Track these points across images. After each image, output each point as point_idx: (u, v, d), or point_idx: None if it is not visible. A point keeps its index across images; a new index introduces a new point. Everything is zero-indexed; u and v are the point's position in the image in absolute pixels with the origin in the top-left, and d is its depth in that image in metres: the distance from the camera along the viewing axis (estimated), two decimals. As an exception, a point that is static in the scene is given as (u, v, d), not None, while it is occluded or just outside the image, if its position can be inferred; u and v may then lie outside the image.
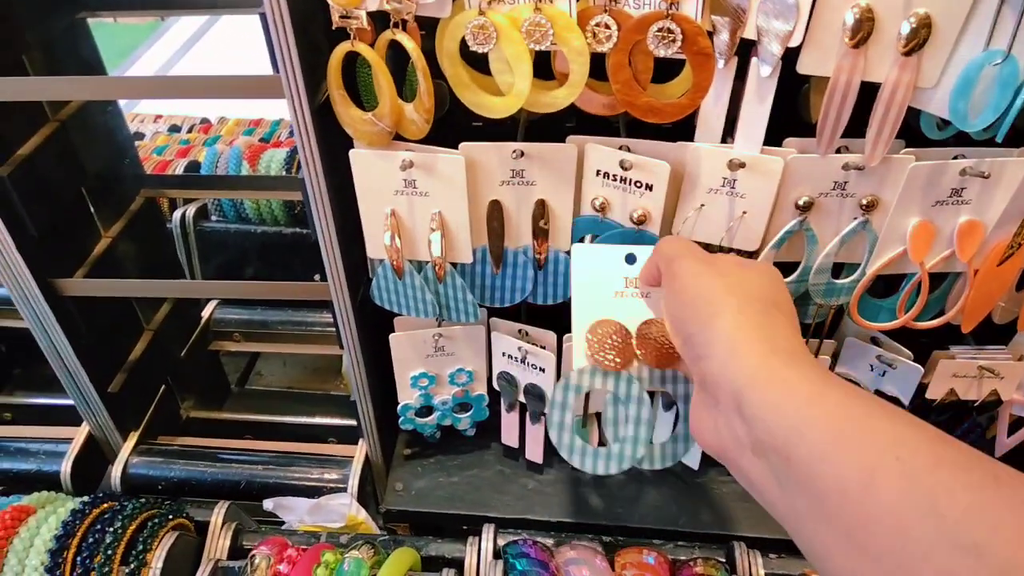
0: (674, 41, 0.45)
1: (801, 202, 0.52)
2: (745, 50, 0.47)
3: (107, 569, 0.55)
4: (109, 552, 0.55)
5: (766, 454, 0.36)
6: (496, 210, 0.56)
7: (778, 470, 0.35)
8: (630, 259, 0.52)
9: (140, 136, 1.26)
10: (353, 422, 0.88)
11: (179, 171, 1.00)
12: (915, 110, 0.48)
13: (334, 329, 0.93)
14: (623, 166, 0.52)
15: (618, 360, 0.50)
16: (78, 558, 0.55)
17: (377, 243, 0.57)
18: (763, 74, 0.47)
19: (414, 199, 0.55)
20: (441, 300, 0.61)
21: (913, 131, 0.50)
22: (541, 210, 0.56)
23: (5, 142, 0.59)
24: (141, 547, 0.56)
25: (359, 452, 0.74)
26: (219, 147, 1.04)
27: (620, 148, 0.53)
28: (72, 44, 0.65)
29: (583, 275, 0.52)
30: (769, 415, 0.35)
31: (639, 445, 0.52)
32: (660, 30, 0.45)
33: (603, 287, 0.52)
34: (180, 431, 0.87)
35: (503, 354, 0.67)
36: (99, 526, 0.57)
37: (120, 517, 0.57)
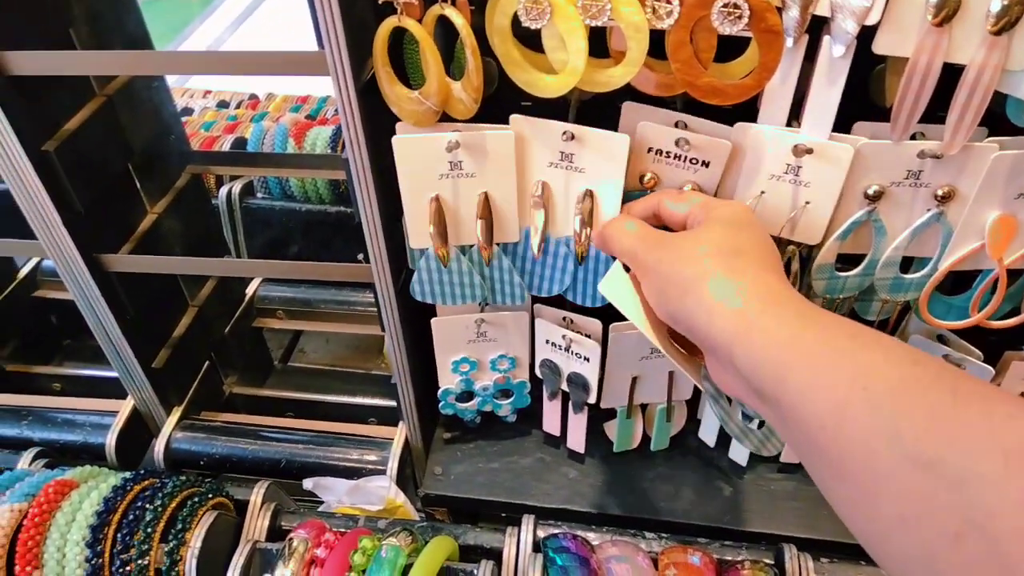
0: (740, 18, 0.42)
1: (871, 191, 0.48)
2: (815, 28, 0.44)
3: (147, 546, 0.55)
4: (149, 529, 0.55)
5: (765, 401, 0.38)
6: (542, 190, 0.54)
7: (776, 414, 0.37)
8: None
9: (189, 111, 1.27)
10: (394, 403, 0.88)
11: (226, 147, 1.00)
12: (1001, 95, 0.44)
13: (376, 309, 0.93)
14: (679, 145, 0.50)
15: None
16: (119, 534, 0.55)
17: (420, 233, 0.55)
18: (836, 54, 0.44)
19: (459, 181, 0.53)
20: (487, 284, 0.60)
21: (996, 117, 0.46)
22: (588, 200, 0.53)
23: (51, 117, 0.59)
24: (180, 525, 0.56)
25: (399, 435, 0.74)
26: (265, 124, 1.04)
27: (676, 125, 0.50)
28: (119, 18, 0.65)
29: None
30: (755, 366, 0.37)
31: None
32: (726, 6, 0.42)
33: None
34: (223, 407, 0.88)
35: (547, 342, 0.65)
36: (140, 503, 0.57)
37: (160, 495, 0.58)
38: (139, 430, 0.78)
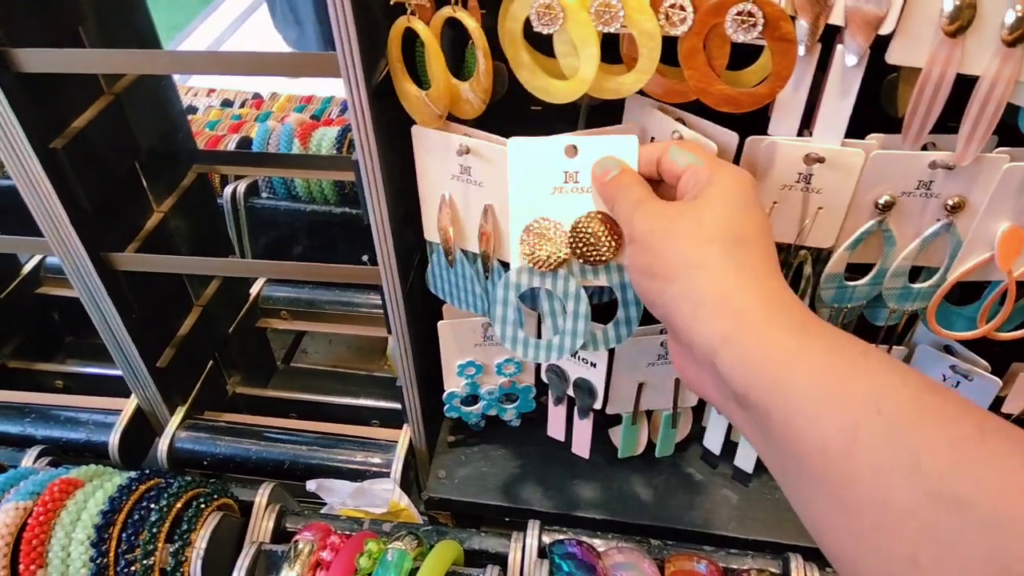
0: (754, 26, 0.42)
1: (882, 202, 0.48)
2: (827, 36, 0.44)
3: (152, 546, 0.55)
4: (155, 530, 0.55)
5: (747, 408, 0.35)
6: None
7: (760, 424, 0.34)
8: (570, 151, 0.47)
9: (193, 110, 1.26)
10: (397, 405, 0.87)
11: (231, 147, 0.99)
12: (1013, 106, 0.44)
13: (381, 311, 0.93)
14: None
15: (552, 259, 0.48)
16: (124, 534, 0.55)
17: (433, 225, 0.56)
18: (848, 63, 0.44)
19: (468, 187, 0.53)
20: (490, 297, 0.59)
21: (1008, 128, 0.46)
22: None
23: (60, 114, 0.59)
24: (186, 526, 0.56)
25: (403, 437, 0.74)
26: (271, 124, 1.03)
27: (677, 121, 0.50)
28: (128, 16, 0.65)
29: (520, 172, 0.48)
30: (747, 371, 0.34)
31: (577, 337, 0.52)
32: (740, 13, 0.42)
33: (541, 184, 0.48)
34: (226, 407, 0.88)
35: (553, 346, 0.65)
36: (145, 503, 0.57)
37: (166, 495, 0.57)
38: (142, 429, 0.78)
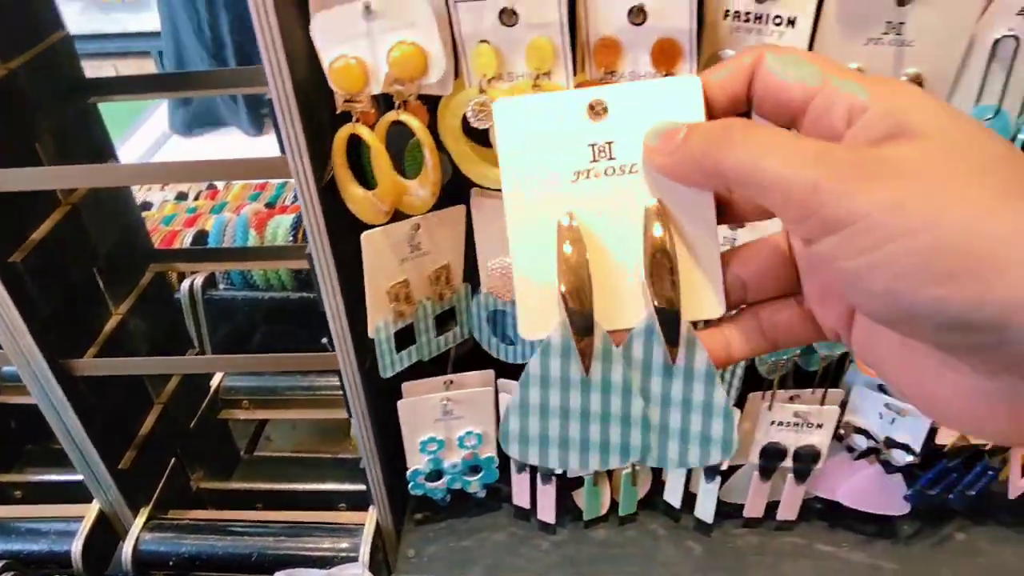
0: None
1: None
2: None
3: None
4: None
5: None
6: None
7: None
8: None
9: (148, 206, 1.28)
10: (363, 486, 0.88)
11: (187, 241, 1.01)
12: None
13: (342, 394, 0.94)
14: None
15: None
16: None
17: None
18: None
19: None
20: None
21: None
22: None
23: (18, 228, 0.60)
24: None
25: (369, 519, 0.74)
26: (226, 215, 1.06)
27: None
28: (84, 129, 0.67)
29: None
30: None
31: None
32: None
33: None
34: (191, 503, 0.87)
35: (512, 416, 0.67)
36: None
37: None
38: (105, 534, 0.77)
